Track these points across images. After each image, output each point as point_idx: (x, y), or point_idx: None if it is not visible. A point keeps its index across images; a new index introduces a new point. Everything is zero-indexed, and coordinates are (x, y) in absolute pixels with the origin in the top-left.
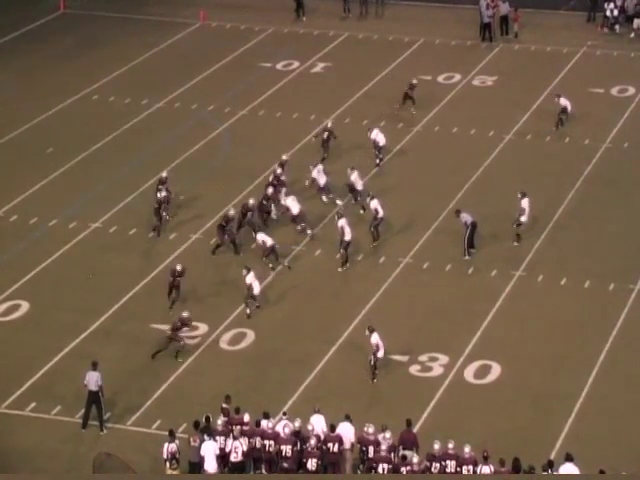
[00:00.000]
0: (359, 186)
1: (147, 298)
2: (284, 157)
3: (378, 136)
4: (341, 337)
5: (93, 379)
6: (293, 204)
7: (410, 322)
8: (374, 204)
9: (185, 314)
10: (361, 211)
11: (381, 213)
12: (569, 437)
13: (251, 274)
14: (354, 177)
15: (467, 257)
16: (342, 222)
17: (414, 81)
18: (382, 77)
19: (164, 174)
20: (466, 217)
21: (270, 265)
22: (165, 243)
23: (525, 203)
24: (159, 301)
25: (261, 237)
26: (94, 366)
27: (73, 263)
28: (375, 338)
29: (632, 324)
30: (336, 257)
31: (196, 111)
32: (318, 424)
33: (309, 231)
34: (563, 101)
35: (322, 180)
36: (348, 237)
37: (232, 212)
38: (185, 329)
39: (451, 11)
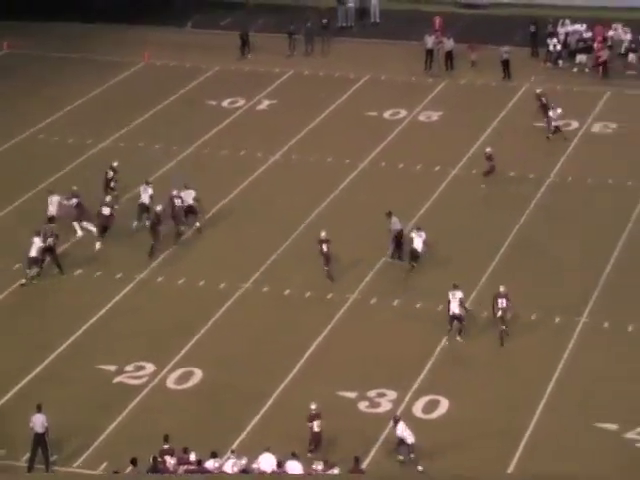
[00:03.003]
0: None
1: (93, 339)
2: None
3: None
4: (289, 374)
5: (39, 421)
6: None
7: (358, 358)
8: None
9: None
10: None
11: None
12: (517, 470)
13: None
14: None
15: (389, 260)
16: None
17: (538, 91)
18: (328, 113)
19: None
20: (395, 223)
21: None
22: (111, 282)
23: None
24: (105, 341)
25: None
26: (39, 408)
27: (19, 305)
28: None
29: (578, 357)
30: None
31: (142, 150)
32: (268, 462)
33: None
34: None
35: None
36: None
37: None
38: None
39: (396, 47)
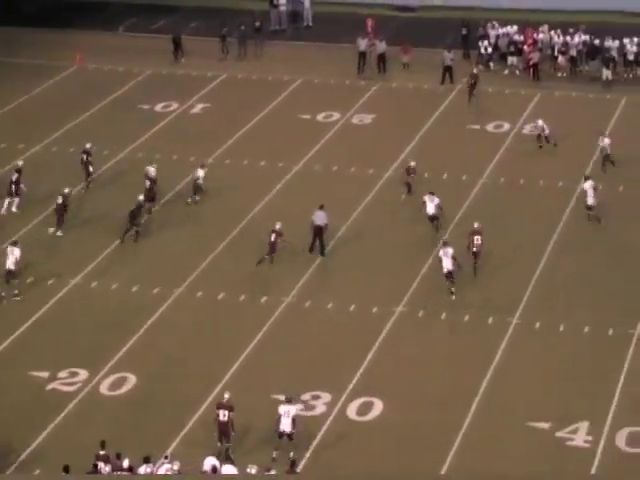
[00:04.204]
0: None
1: (26, 345)
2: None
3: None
4: (224, 378)
5: None
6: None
7: (292, 361)
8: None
9: None
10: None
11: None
12: (451, 470)
13: None
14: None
15: (310, 252)
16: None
17: (474, 70)
18: (262, 117)
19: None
20: (317, 217)
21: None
22: (43, 287)
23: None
24: (38, 348)
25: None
26: None
27: None
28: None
29: (510, 357)
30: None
31: (74, 154)
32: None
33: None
34: (607, 141)
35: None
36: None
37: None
38: None
39: (329, 50)
